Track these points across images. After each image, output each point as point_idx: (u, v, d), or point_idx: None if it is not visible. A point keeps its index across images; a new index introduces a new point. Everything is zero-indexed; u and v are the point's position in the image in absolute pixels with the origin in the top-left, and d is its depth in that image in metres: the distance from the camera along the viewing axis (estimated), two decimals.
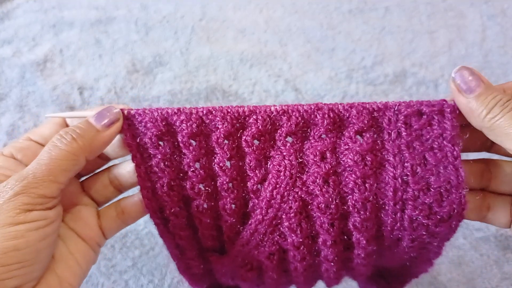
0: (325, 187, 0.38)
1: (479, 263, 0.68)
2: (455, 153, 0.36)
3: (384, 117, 0.38)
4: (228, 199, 0.40)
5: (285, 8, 1.02)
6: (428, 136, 0.37)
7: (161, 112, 0.38)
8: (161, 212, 0.41)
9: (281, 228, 0.41)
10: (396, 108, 0.37)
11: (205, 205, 0.40)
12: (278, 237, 0.41)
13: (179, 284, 0.67)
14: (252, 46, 0.95)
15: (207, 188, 0.40)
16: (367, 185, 0.37)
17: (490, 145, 0.40)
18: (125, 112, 0.39)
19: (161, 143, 0.39)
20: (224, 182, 0.40)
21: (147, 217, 0.78)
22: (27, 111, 0.84)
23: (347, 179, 0.38)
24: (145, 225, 0.71)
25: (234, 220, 0.41)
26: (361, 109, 0.37)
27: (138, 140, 0.39)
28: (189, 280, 0.50)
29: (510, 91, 0.36)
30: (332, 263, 0.41)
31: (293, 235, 0.40)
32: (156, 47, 0.93)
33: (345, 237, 0.40)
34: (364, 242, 0.39)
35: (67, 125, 0.42)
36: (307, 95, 0.87)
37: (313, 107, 0.38)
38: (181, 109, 0.38)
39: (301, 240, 0.40)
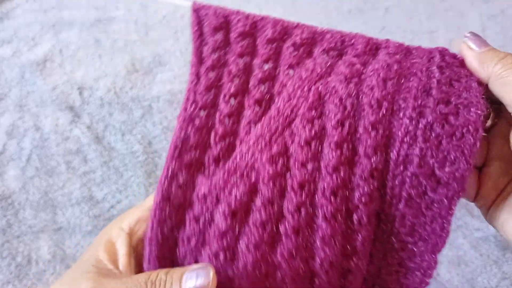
0: (345, 83, 0.41)
1: (478, 262, 0.68)
2: (480, 88, 0.38)
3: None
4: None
5: (285, 8, 1.02)
6: (456, 70, 0.40)
7: (222, 9, 0.45)
8: None
9: (293, 125, 0.42)
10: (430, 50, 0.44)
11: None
12: (288, 137, 0.41)
13: None
14: None
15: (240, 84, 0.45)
16: (388, 83, 0.40)
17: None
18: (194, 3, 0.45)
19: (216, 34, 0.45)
20: (256, 80, 0.44)
21: None
22: (27, 111, 0.84)
23: (367, 79, 0.41)
24: None
25: (259, 108, 0.44)
26: (398, 44, 0.46)
27: (198, 29, 0.44)
28: None
29: None
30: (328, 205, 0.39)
31: (302, 132, 0.41)
32: (156, 47, 0.93)
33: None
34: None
35: None
36: None
37: (354, 34, 0.45)
38: (239, 12, 0.46)
39: (309, 139, 0.41)
